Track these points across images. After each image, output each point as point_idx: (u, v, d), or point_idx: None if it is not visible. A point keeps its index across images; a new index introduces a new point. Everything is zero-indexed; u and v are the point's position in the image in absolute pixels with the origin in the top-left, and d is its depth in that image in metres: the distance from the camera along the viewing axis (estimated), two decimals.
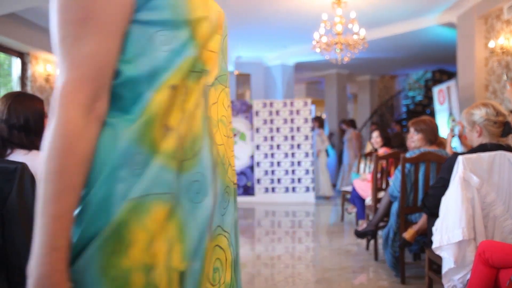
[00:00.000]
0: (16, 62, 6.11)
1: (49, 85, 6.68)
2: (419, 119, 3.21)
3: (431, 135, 3.09)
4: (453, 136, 2.71)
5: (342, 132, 9.26)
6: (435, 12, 6.49)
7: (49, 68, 6.60)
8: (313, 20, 6.32)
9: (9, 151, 1.75)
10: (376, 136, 4.62)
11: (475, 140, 2.22)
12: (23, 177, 1.54)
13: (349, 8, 5.68)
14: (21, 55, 6.14)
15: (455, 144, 2.98)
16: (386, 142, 4.53)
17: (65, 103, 0.65)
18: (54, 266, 0.62)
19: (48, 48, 6.29)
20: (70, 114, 0.65)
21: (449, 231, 2.00)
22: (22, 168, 1.55)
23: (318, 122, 8.14)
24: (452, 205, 2.02)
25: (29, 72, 6.21)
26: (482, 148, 2.16)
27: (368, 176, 4.51)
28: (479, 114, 2.17)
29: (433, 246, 2.08)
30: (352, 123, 8.77)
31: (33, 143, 1.78)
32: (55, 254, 0.62)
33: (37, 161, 1.74)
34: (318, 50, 5.82)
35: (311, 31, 6.10)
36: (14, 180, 1.53)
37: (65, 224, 0.64)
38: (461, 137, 2.59)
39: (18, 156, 1.74)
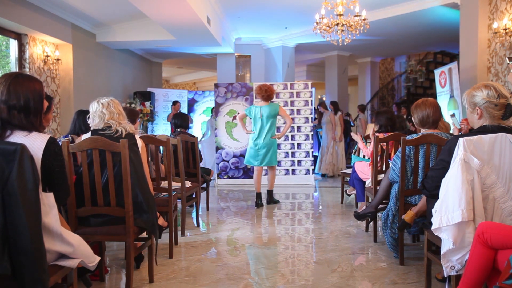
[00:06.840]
0: (14, 44, 6.04)
1: (47, 66, 6.57)
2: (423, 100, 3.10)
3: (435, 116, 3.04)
4: (460, 130, 2.68)
5: (321, 115, 8.82)
6: None
7: (47, 49, 6.49)
8: (314, 1, 6.22)
9: (9, 132, 1.74)
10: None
11: (476, 122, 2.20)
12: (23, 158, 1.53)
13: None
14: (19, 36, 6.06)
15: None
16: (381, 127, 4.55)
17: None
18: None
19: (46, 30, 6.20)
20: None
21: (449, 212, 2.01)
22: (22, 149, 1.54)
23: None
24: (452, 187, 2.02)
25: (27, 54, 6.13)
26: (482, 129, 2.14)
27: (365, 150, 4.62)
28: (481, 96, 2.13)
29: (433, 228, 2.09)
30: (334, 106, 8.60)
31: (32, 124, 1.76)
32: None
33: (37, 143, 1.72)
34: (318, 31, 5.76)
35: (312, 12, 6.02)
36: (14, 161, 1.52)
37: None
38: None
39: (18, 137, 1.72)
